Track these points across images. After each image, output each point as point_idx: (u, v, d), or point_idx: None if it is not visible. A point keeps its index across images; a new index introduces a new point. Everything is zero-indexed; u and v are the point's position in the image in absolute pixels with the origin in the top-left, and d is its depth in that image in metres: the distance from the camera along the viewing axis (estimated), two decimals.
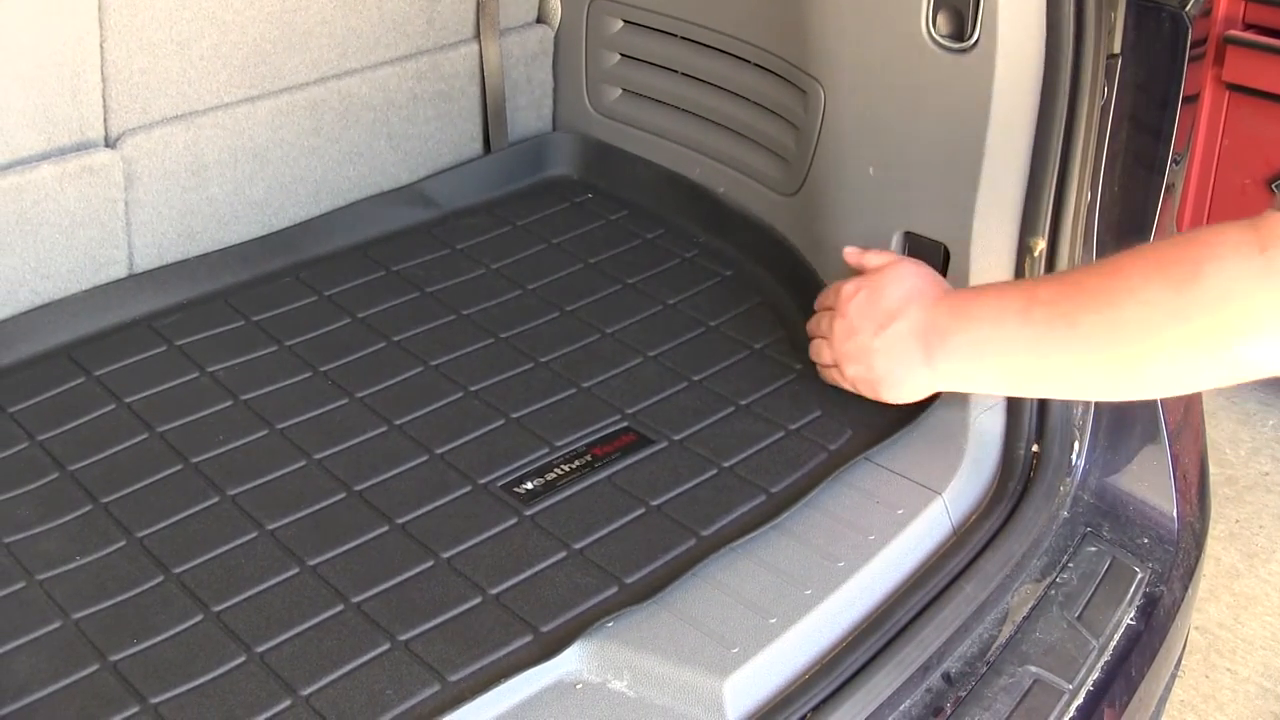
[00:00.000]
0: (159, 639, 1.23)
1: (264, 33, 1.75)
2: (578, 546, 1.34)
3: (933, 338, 1.34)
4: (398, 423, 1.50)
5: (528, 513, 1.38)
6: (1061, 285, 1.25)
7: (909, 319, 1.37)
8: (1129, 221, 1.57)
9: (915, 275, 1.41)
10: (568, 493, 1.40)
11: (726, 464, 1.44)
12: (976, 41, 1.44)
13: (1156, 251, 1.18)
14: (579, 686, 1.20)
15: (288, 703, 1.17)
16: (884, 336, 1.38)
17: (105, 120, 1.65)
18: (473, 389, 1.56)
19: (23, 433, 1.48)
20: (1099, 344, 1.18)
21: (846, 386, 1.47)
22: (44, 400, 1.53)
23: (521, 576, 1.30)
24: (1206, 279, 1.09)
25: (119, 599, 1.27)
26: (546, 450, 1.46)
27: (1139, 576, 1.44)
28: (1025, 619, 1.35)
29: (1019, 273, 1.48)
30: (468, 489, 1.41)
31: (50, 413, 1.51)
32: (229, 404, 1.53)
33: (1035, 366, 1.26)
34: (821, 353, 1.49)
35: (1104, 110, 1.44)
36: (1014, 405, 1.47)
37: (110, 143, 1.66)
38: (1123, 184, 1.53)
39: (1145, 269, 1.14)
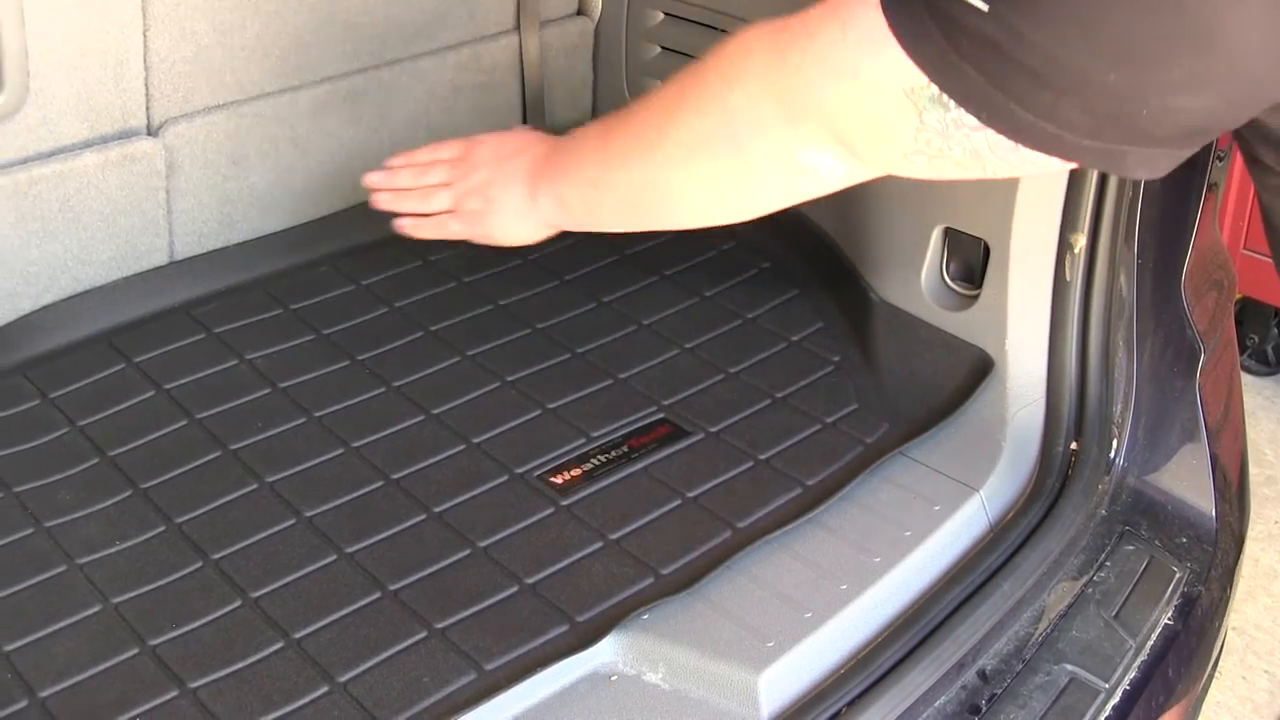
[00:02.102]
0: (198, 624, 1.24)
1: (305, 23, 1.76)
2: (614, 537, 1.34)
3: (537, 171, 1.36)
4: (435, 412, 1.51)
5: (564, 503, 1.38)
6: (641, 104, 1.20)
7: (528, 155, 1.38)
8: (1170, 218, 1.56)
9: (529, 130, 1.49)
10: (604, 483, 1.41)
11: (762, 456, 1.44)
12: None
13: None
14: (614, 678, 1.20)
15: (325, 689, 1.17)
16: (504, 169, 1.40)
17: (148, 109, 1.66)
18: (509, 379, 1.57)
19: (63, 418, 1.49)
20: (645, 143, 1.16)
21: (454, 231, 1.47)
22: (84, 386, 1.54)
23: (557, 566, 1.30)
24: (719, 69, 1.06)
25: (158, 584, 1.28)
26: (583, 441, 1.47)
27: (1177, 576, 1.43)
28: (1062, 617, 1.34)
29: (1059, 269, 1.47)
30: (504, 479, 1.41)
31: (90, 398, 1.52)
32: (267, 391, 1.54)
33: (604, 180, 1.24)
34: (432, 199, 1.48)
35: None
36: (1053, 402, 1.47)
37: (152, 131, 1.67)
38: (1164, 181, 1.51)
39: (694, 69, 1.11)
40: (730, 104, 1.05)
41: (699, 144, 1.10)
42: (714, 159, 1.09)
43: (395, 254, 1.80)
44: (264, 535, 1.34)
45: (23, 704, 1.16)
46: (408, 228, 1.50)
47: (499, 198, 1.40)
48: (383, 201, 1.51)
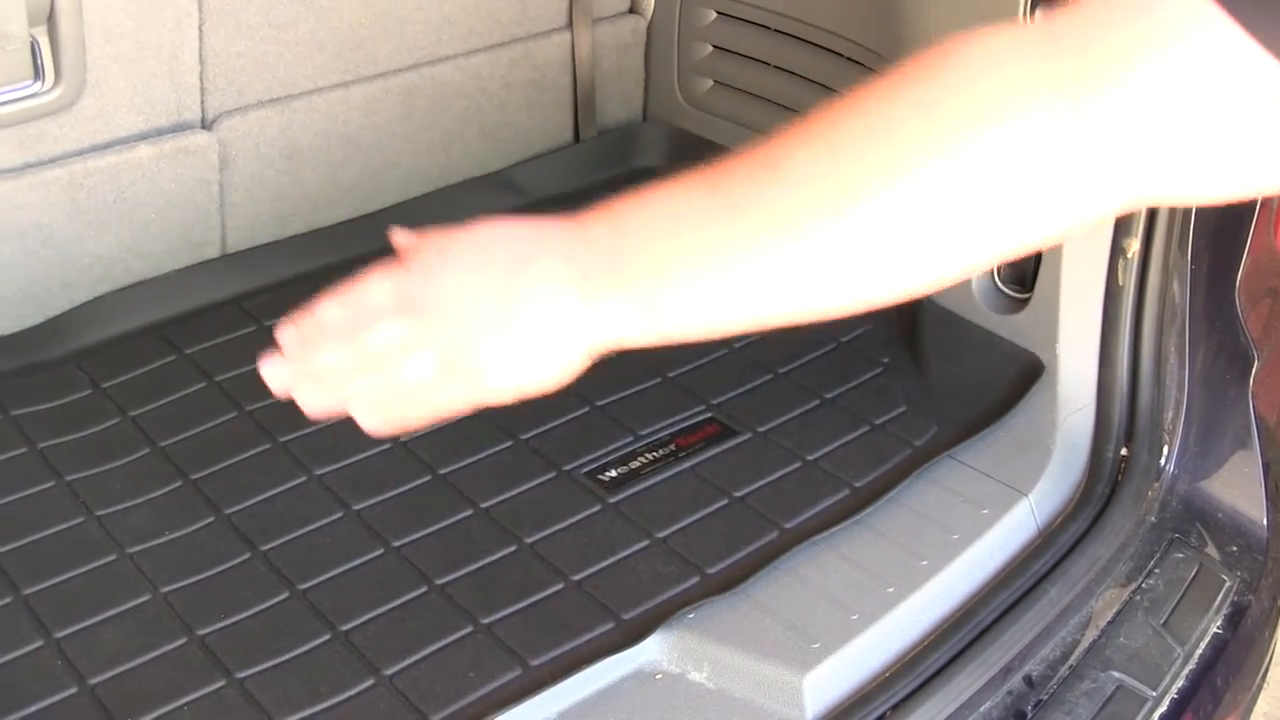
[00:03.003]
0: (246, 615, 1.25)
1: (359, 18, 1.76)
2: (660, 535, 1.34)
3: (592, 262, 0.81)
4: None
5: (611, 500, 1.38)
6: (758, 145, 0.79)
7: (550, 253, 0.83)
8: (1224, 224, 1.54)
9: (504, 223, 0.87)
10: (651, 482, 1.41)
11: (810, 457, 1.44)
12: None
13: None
14: (659, 676, 1.20)
15: (371, 682, 1.18)
16: (525, 276, 0.82)
17: (202, 102, 1.67)
18: None
19: (115, 408, 1.51)
20: (818, 172, 0.76)
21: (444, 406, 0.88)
22: (136, 377, 1.56)
23: (604, 564, 1.31)
24: (951, 63, 0.75)
25: (207, 574, 1.29)
26: (630, 439, 1.47)
27: (1227, 585, 1.41)
28: (1109, 624, 1.33)
29: (1111, 274, 1.46)
30: (552, 475, 1.42)
31: (142, 389, 1.53)
32: None
33: (735, 241, 0.78)
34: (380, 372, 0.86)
35: None
36: (1104, 407, 1.46)
37: (206, 125, 1.68)
38: None
39: (877, 91, 0.75)
40: (979, 93, 0.73)
41: (929, 147, 0.73)
42: (954, 198, 0.73)
43: None
44: (312, 528, 1.35)
45: (72, 690, 1.17)
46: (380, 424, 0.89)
47: (503, 328, 0.82)
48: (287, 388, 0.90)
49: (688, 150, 2.04)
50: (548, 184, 1.98)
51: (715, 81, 2.02)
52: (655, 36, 2.06)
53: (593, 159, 2.03)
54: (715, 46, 2.00)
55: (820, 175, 0.77)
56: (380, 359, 0.85)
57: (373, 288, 0.86)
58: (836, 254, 0.78)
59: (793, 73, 1.90)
